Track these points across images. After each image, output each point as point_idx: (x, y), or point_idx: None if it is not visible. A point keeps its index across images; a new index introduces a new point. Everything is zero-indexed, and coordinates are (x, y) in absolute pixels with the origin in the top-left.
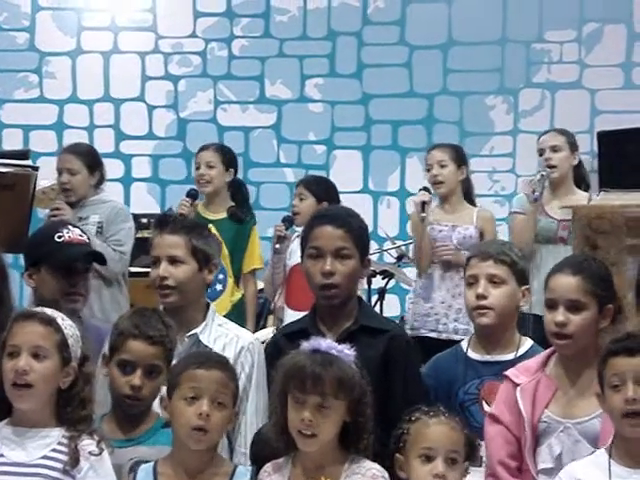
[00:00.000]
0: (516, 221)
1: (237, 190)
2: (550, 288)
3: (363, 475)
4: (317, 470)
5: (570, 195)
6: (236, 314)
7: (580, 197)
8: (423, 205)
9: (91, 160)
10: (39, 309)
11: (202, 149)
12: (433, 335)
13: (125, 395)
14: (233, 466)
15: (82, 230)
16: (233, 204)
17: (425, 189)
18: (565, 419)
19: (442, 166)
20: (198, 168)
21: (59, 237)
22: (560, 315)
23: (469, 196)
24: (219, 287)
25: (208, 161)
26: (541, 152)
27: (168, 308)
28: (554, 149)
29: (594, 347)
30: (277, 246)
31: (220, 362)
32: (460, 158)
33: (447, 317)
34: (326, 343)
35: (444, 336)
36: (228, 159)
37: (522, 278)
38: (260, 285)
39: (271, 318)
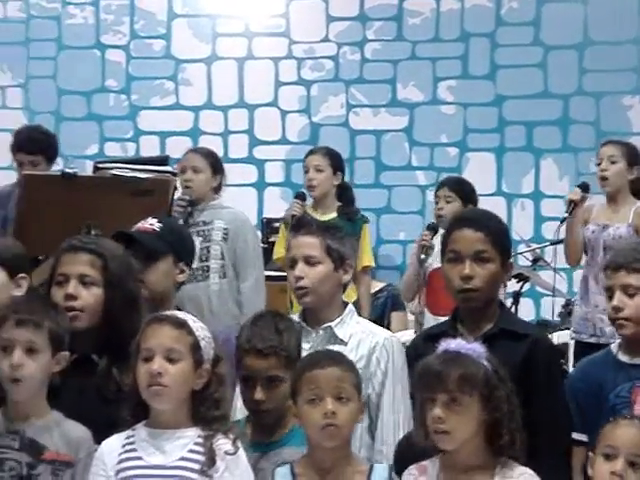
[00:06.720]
0: None
1: (344, 192)
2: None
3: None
4: (465, 473)
5: None
6: None
7: None
8: (570, 204)
9: (215, 163)
10: (170, 312)
11: (310, 153)
12: (592, 340)
13: (251, 410)
14: (370, 464)
15: (160, 221)
16: (340, 204)
17: (582, 186)
18: None
19: (612, 162)
20: (307, 172)
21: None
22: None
23: None
24: None
25: (316, 164)
26: None
27: (306, 308)
28: None
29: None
30: (422, 257)
31: (333, 358)
32: (633, 157)
33: (602, 321)
34: (455, 342)
35: (602, 340)
36: (336, 162)
37: None
38: (377, 284)
39: (394, 315)
